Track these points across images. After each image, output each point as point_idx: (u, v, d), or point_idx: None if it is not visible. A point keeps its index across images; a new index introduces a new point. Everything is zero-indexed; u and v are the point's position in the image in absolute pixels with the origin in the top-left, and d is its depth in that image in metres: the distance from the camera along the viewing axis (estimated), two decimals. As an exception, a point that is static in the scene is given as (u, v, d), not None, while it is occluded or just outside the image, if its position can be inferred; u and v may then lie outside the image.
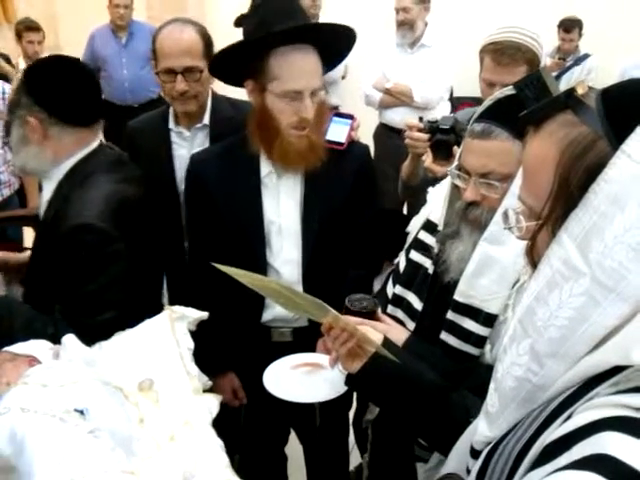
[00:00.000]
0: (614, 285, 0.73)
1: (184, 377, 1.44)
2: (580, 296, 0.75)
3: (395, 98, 4.17)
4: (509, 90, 1.34)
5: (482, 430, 0.91)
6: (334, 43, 1.75)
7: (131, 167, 1.80)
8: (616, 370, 0.74)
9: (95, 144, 1.70)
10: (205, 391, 1.47)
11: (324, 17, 5.05)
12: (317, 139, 1.76)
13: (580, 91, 0.80)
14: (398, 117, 4.16)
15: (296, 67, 1.67)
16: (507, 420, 0.86)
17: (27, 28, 4.82)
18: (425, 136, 2.00)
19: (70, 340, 1.43)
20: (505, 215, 0.93)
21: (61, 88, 1.62)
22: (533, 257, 0.87)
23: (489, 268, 1.37)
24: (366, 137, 2.98)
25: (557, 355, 0.78)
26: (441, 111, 4.08)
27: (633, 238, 0.71)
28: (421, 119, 2.06)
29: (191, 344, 1.51)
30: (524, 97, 0.84)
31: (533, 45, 2.04)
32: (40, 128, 1.60)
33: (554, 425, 0.76)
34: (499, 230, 1.33)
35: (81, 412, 1.19)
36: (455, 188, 1.45)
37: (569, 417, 0.75)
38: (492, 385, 0.90)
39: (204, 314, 1.57)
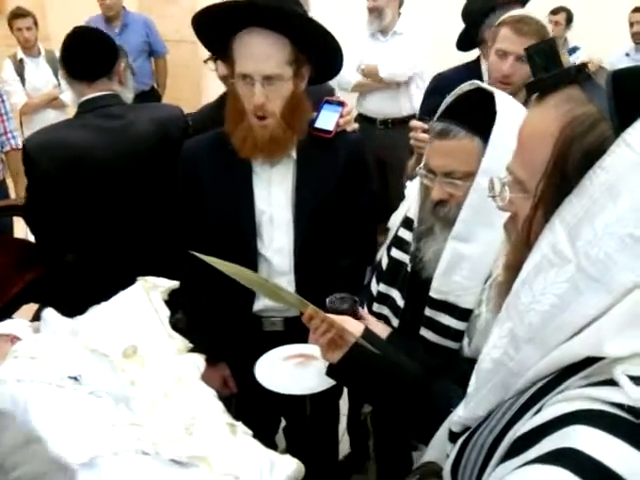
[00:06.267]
0: (599, 276, 0.71)
1: (167, 340, 1.47)
2: (564, 283, 0.73)
3: (368, 80, 4.17)
4: (468, 86, 1.37)
5: (458, 410, 0.91)
6: (307, 36, 1.65)
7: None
8: (589, 362, 0.72)
9: (88, 96, 2.11)
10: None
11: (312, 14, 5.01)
12: (283, 133, 1.70)
13: (591, 68, 0.77)
14: (373, 105, 4.18)
15: (248, 49, 1.63)
16: (479, 403, 0.85)
17: (14, 16, 4.76)
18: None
19: (50, 314, 1.47)
20: (491, 183, 0.90)
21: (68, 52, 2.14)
22: (519, 233, 0.84)
23: (460, 265, 1.39)
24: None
25: (534, 341, 0.77)
26: (416, 96, 4.00)
27: (623, 229, 0.69)
28: (425, 120, 2.07)
29: (167, 312, 1.55)
30: (533, 64, 0.80)
31: (545, 25, 2.21)
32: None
33: (525, 417, 0.74)
34: (466, 227, 1.36)
35: (75, 379, 1.21)
36: (425, 186, 1.46)
37: (540, 409, 0.73)
38: (475, 367, 0.89)
39: (175, 283, 1.61)
